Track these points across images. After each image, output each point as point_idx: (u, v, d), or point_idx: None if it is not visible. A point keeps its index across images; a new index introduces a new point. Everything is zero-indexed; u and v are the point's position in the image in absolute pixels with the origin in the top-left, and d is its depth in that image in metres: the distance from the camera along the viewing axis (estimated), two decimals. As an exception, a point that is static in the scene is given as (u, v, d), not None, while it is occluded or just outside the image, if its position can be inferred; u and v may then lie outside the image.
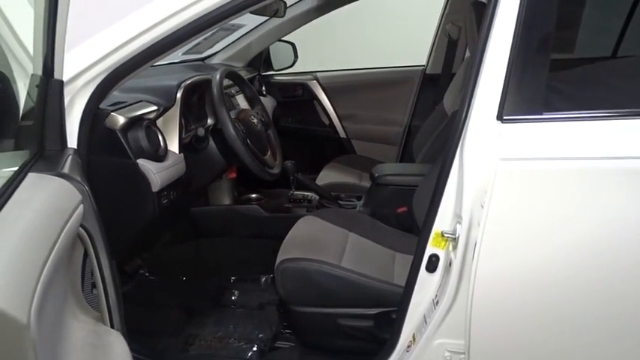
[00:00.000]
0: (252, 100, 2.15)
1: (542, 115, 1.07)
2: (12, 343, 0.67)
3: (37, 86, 1.03)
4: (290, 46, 2.79)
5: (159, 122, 1.57)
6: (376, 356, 1.29)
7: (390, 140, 2.85)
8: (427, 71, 2.77)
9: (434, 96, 2.65)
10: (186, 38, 1.20)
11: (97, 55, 1.15)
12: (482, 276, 1.04)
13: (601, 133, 1.02)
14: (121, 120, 1.38)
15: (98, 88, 1.17)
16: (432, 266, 1.18)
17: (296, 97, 2.92)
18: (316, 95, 2.89)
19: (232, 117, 1.76)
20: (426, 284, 1.19)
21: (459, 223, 1.10)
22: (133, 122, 1.42)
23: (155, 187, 1.42)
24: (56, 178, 0.96)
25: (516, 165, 1.03)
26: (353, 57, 3.13)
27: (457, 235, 1.10)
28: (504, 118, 1.04)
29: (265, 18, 2.54)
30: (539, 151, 1.03)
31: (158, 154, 1.47)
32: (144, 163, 1.41)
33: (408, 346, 1.23)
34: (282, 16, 2.33)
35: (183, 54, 2.57)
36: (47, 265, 0.75)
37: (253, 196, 2.34)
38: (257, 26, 2.63)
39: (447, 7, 2.63)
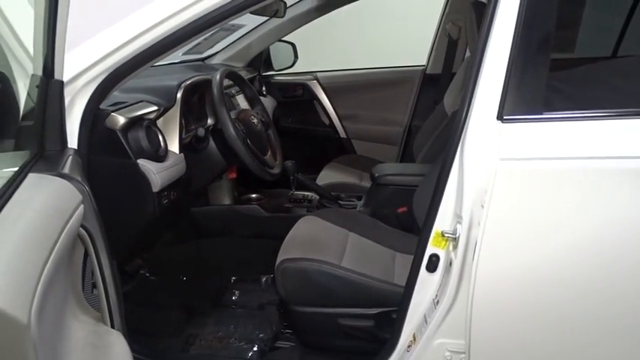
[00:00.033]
0: (253, 100, 2.15)
1: (542, 114, 1.07)
2: (12, 343, 0.67)
3: (37, 86, 1.02)
4: (290, 47, 2.79)
5: (159, 122, 1.57)
6: (376, 356, 1.29)
7: (390, 140, 2.84)
8: (427, 71, 2.77)
9: (434, 96, 2.65)
10: (186, 38, 1.20)
11: (97, 55, 1.15)
12: (482, 276, 1.04)
13: (601, 133, 1.02)
14: (122, 120, 1.38)
15: (98, 89, 1.17)
16: (432, 266, 1.18)
17: (296, 97, 2.91)
18: (316, 95, 2.88)
19: (232, 117, 1.75)
20: (427, 284, 1.19)
21: (460, 222, 1.10)
22: (134, 122, 1.43)
23: (155, 187, 1.43)
24: (56, 178, 0.96)
25: (517, 165, 1.03)
26: (353, 57, 3.13)
27: (457, 235, 1.10)
28: (504, 117, 1.04)
29: (265, 18, 2.54)
30: (540, 150, 1.03)
31: (158, 154, 1.47)
32: (144, 164, 1.41)
33: (409, 346, 1.23)
34: (282, 17, 2.33)
35: (184, 54, 2.57)
36: (48, 265, 0.75)
37: (253, 196, 2.34)
38: (257, 26, 2.63)
39: (447, 7, 2.63)
